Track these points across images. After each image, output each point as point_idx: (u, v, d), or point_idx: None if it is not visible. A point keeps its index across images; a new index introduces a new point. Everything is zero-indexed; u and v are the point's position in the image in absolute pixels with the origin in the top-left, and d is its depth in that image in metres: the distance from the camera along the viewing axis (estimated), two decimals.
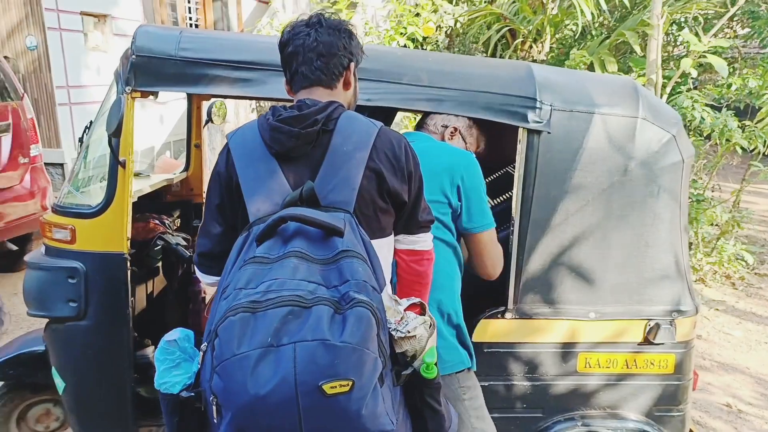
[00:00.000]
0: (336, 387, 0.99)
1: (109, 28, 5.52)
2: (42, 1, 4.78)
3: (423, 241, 1.48)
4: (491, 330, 2.00)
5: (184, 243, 2.52)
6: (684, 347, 2.08)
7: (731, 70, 6.34)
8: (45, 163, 4.28)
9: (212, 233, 1.38)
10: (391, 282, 1.45)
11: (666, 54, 6.84)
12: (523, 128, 1.91)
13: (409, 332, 1.18)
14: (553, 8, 6.34)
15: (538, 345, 2.03)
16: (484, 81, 1.93)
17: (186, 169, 3.10)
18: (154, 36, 1.92)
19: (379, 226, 1.35)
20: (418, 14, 6.36)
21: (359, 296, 1.05)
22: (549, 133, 1.91)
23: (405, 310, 1.25)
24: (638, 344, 2.06)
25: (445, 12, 7.67)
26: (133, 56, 1.87)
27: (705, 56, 5.28)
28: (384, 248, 1.38)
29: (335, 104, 1.33)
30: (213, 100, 3.04)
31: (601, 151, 1.95)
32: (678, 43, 6.67)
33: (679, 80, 5.85)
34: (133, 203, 2.84)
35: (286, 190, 1.27)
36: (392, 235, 1.43)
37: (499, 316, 1.99)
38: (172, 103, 5.94)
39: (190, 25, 8.01)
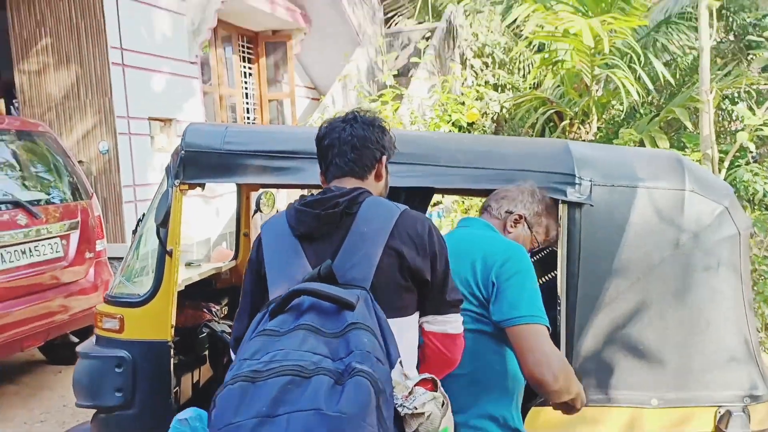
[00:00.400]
0: None
1: (173, 131, 5.95)
2: (114, 109, 5.22)
3: (454, 322, 1.43)
4: (542, 419, 1.86)
5: (230, 330, 2.54)
6: None
7: None
8: (111, 258, 4.51)
9: (244, 318, 1.41)
10: (417, 366, 1.41)
11: (722, 128, 6.71)
12: (563, 201, 1.87)
13: (416, 408, 1.14)
14: (597, 89, 6.41)
15: None
16: (521, 159, 1.93)
17: (235, 257, 3.18)
18: (202, 132, 2.05)
19: (401, 305, 1.34)
20: (462, 102, 6.56)
21: (360, 366, 1.04)
22: (591, 205, 1.86)
23: (414, 386, 1.20)
24: None
25: (490, 99, 7.90)
26: (183, 151, 1.99)
27: (762, 129, 5.15)
28: (406, 328, 1.36)
29: (361, 190, 1.38)
30: (262, 190, 3.17)
31: (649, 225, 1.88)
32: (733, 118, 6.54)
33: (737, 154, 5.69)
34: (184, 291, 2.95)
35: (307, 269, 1.30)
36: (416, 315, 1.40)
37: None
38: (228, 196, 6.22)
39: (248, 124, 8.53)
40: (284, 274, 1.31)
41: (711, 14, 5.12)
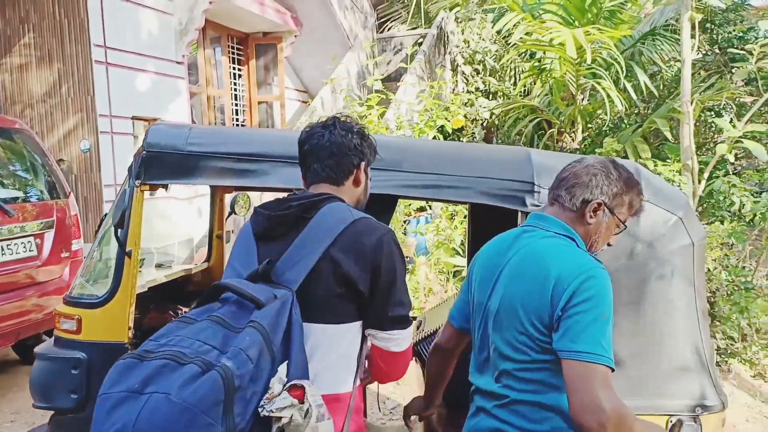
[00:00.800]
0: None
1: None
2: (97, 108, 5.21)
3: (396, 339, 1.43)
4: None
5: None
6: None
7: None
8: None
9: None
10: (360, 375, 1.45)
11: (705, 140, 6.75)
12: (522, 212, 1.88)
13: (272, 411, 1.16)
14: (582, 99, 6.44)
15: None
16: (483, 166, 1.94)
17: (208, 259, 3.18)
18: (165, 133, 2.05)
19: (335, 312, 1.37)
20: (447, 108, 6.58)
21: (225, 362, 1.11)
22: None
23: (283, 391, 1.22)
24: None
25: (480, 106, 7.93)
26: (144, 152, 1.99)
27: (741, 141, 5.19)
28: (340, 335, 1.37)
29: (325, 196, 1.41)
30: (237, 192, 3.17)
31: None
32: (714, 130, 6.59)
33: (717, 166, 5.72)
34: (154, 294, 2.94)
35: (253, 265, 1.37)
36: (354, 324, 1.40)
37: None
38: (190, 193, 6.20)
39: (237, 126, 8.52)
40: (233, 270, 1.39)
41: (693, 27, 5.16)
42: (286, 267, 1.34)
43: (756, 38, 6.34)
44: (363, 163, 1.49)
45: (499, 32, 9.66)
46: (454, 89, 8.49)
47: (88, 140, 5.22)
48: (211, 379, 1.08)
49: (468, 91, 8.42)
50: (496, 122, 8.22)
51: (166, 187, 2.14)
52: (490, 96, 8.55)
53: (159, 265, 3.14)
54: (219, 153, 2.00)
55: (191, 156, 2.00)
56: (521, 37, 6.32)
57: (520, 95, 8.16)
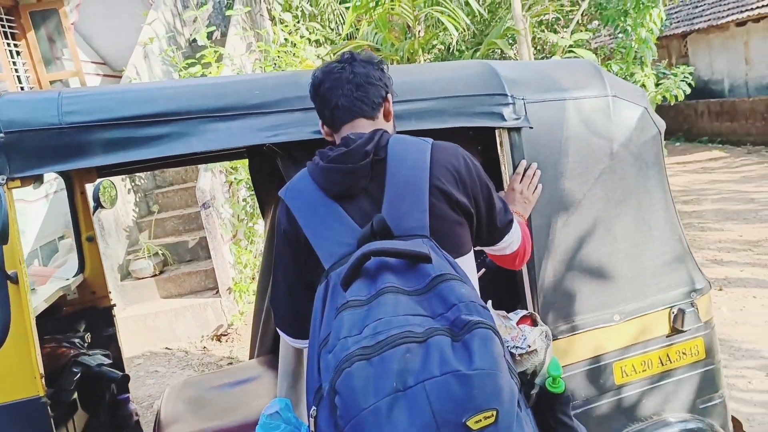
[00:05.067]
0: (481, 420, 0.92)
1: None
2: None
3: (510, 243, 1.42)
4: None
5: (108, 361, 1.98)
6: (708, 327, 1.93)
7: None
8: None
9: (294, 293, 1.32)
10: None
11: (541, 56, 7.16)
12: (503, 129, 1.68)
13: (529, 347, 1.12)
14: (420, 31, 6.40)
15: (571, 367, 1.77)
16: (449, 85, 1.68)
17: (81, 270, 2.53)
18: (25, 105, 1.47)
19: (459, 243, 1.28)
20: (294, 54, 6.12)
21: (473, 318, 0.99)
22: (531, 128, 1.69)
23: (517, 324, 1.18)
24: (667, 336, 1.87)
25: (306, 55, 7.52)
26: (2, 135, 1.40)
27: (572, 51, 5.54)
28: (470, 266, 1.30)
29: (380, 131, 1.30)
30: (98, 180, 2.53)
31: (584, 137, 1.77)
32: (546, 45, 7.01)
33: None
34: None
35: (354, 229, 1.20)
36: (471, 251, 1.33)
37: None
38: (33, 196, 5.14)
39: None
40: (333, 240, 1.20)
41: None
42: (399, 216, 1.19)
43: None
44: (389, 95, 1.38)
45: None
46: (275, 40, 7.95)
47: None
48: (488, 338, 0.97)
49: (291, 43, 7.95)
50: None
51: (40, 179, 1.58)
52: (315, 44, 8.17)
53: None
54: (114, 120, 1.49)
55: (74, 130, 1.46)
56: None
57: (346, 38, 7.90)
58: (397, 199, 1.22)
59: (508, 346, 1.11)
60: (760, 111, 10.80)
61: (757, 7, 10.22)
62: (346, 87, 1.31)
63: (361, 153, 1.23)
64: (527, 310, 1.21)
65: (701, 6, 11.87)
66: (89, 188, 2.54)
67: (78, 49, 7.63)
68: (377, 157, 1.25)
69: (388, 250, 1.09)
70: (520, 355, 1.11)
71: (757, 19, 10.55)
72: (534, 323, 1.20)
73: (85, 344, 2.16)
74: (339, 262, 1.15)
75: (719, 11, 11.23)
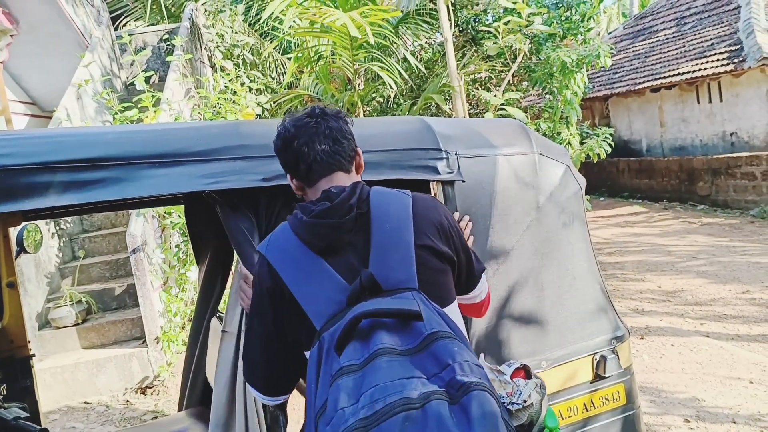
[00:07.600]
0: None
1: None
2: None
3: (481, 291, 1.48)
4: None
5: (25, 414, 1.86)
6: (628, 373, 2.03)
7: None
8: None
9: (273, 353, 1.30)
10: None
11: (475, 112, 7.50)
12: (437, 182, 1.76)
13: (525, 402, 1.12)
14: (360, 83, 6.60)
15: None
16: (387, 139, 1.76)
17: (0, 317, 2.40)
18: None
19: (445, 291, 1.31)
20: (235, 101, 6.14)
21: (469, 379, 0.99)
22: (464, 181, 1.78)
23: (511, 377, 1.18)
24: (590, 382, 1.96)
25: (247, 103, 7.56)
26: None
27: (504, 108, 5.86)
28: (455, 313, 1.33)
29: (360, 184, 1.31)
30: (23, 224, 2.44)
31: (513, 191, 1.88)
32: (480, 102, 7.36)
33: None
34: None
35: (342, 285, 1.19)
36: (456, 300, 1.37)
37: None
38: None
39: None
40: (321, 298, 1.19)
41: (448, 9, 5.64)
42: (387, 270, 1.20)
43: (496, 18, 7.23)
44: (358, 148, 1.40)
45: (251, 25, 9.39)
46: (217, 87, 7.97)
47: None
48: (485, 401, 0.96)
49: (233, 91, 7.99)
50: (269, 117, 7.98)
51: None
52: (255, 92, 8.24)
53: None
54: (49, 163, 1.46)
55: (6, 173, 1.43)
56: (291, 26, 6.17)
57: (287, 88, 8.03)
58: (383, 253, 1.22)
59: (503, 402, 1.12)
60: (674, 170, 11.65)
61: (669, 76, 11.16)
62: (324, 141, 1.31)
63: (346, 207, 1.23)
64: (520, 362, 1.24)
65: (620, 72, 12.83)
66: (13, 232, 2.44)
67: (6, 88, 7.36)
68: (360, 210, 1.24)
69: (378, 311, 1.09)
70: (518, 410, 1.12)
71: (669, 86, 11.51)
72: (528, 375, 1.22)
73: (1, 396, 2.02)
74: (330, 321, 1.14)
75: (636, 77, 12.18)
